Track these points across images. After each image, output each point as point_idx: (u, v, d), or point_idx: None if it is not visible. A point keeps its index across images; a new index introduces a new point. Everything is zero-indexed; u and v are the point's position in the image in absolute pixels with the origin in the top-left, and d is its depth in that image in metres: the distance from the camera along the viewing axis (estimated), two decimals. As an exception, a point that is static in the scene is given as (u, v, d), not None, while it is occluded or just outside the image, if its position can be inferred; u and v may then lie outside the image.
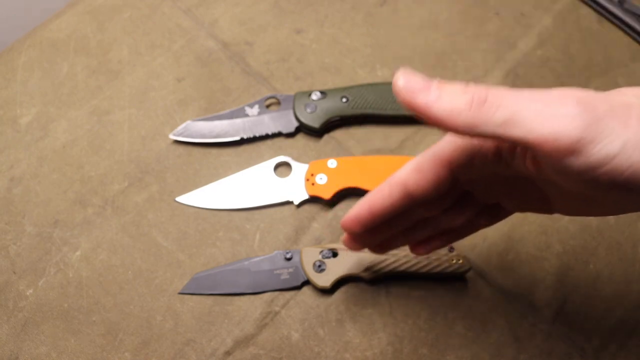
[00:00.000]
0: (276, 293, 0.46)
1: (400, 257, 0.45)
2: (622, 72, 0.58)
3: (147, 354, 0.44)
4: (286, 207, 0.50)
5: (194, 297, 0.46)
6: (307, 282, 0.46)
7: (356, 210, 0.33)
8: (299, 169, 0.50)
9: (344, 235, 0.37)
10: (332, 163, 0.50)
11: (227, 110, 0.53)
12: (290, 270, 0.46)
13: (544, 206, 0.31)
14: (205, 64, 0.57)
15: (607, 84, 0.57)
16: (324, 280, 0.45)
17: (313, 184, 0.49)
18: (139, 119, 0.54)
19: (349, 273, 0.45)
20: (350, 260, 0.45)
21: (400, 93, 0.25)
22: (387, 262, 0.45)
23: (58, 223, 0.49)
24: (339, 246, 0.46)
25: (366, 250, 0.38)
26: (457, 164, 0.29)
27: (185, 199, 0.50)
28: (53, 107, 0.54)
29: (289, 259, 0.46)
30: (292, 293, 0.46)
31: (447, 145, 0.30)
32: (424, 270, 0.45)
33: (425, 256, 0.43)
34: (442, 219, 0.34)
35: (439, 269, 0.45)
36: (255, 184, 0.50)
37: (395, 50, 0.58)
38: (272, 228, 0.49)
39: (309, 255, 0.45)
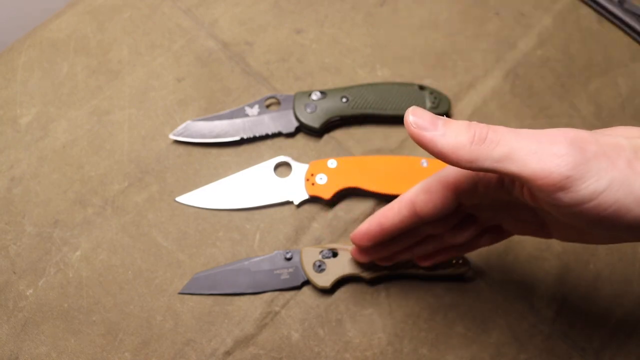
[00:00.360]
0: (276, 293, 0.46)
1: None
2: (622, 72, 0.58)
3: (147, 354, 0.44)
4: (286, 207, 0.50)
5: (194, 297, 0.46)
6: (307, 282, 0.46)
7: (367, 225, 0.37)
8: (299, 169, 0.50)
9: (353, 248, 0.42)
10: (332, 163, 0.50)
11: (227, 110, 0.53)
12: (290, 270, 0.46)
13: (542, 231, 0.33)
14: (205, 64, 0.57)
15: (607, 84, 0.57)
16: (324, 280, 0.45)
17: (313, 184, 0.49)
18: (139, 119, 0.54)
19: (349, 273, 0.45)
20: (350, 261, 0.45)
21: (409, 128, 0.28)
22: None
23: (58, 223, 0.49)
24: (339, 246, 0.46)
25: None
26: (462, 189, 0.32)
27: (185, 199, 0.50)
28: (53, 107, 0.54)
29: (289, 259, 0.46)
30: (292, 293, 0.46)
31: (453, 170, 0.33)
32: (424, 270, 0.45)
33: None
34: (446, 237, 0.37)
35: (438, 269, 0.45)
36: (255, 184, 0.50)
37: (395, 50, 0.58)
38: (272, 228, 0.49)
39: (309, 255, 0.45)
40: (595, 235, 0.30)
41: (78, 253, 0.48)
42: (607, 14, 0.60)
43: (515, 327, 0.45)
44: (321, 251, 0.45)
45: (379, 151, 0.53)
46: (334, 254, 0.45)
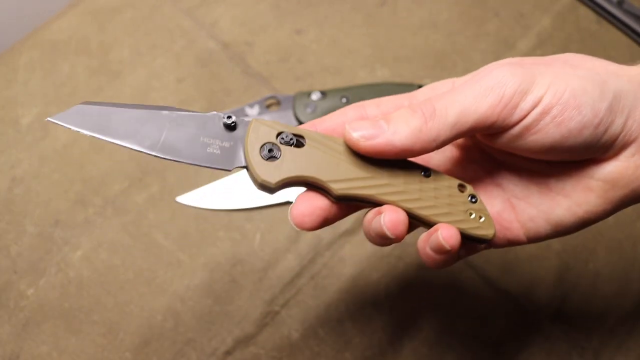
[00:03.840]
0: (277, 293, 0.46)
1: (399, 185, 0.29)
2: (622, 72, 0.58)
3: (147, 353, 0.44)
4: (286, 207, 0.50)
5: (194, 297, 0.46)
6: (243, 168, 0.29)
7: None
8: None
9: (295, 208, 0.29)
10: (332, 163, 0.50)
11: (227, 111, 0.53)
12: (225, 144, 0.29)
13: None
14: (206, 64, 0.57)
15: (606, 84, 0.57)
16: (270, 173, 0.28)
17: (313, 184, 0.49)
18: (140, 119, 0.54)
19: (313, 177, 0.29)
20: (321, 160, 0.29)
21: (359, 145, 0.26)
22: (377, 184, 0.29)
23: (59, 223, 0.49)
24: (310, 134, 0.29)
25: (352, 155, 0.29)
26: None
27: (185, 199, 0.50)
28: (54, 108, 0.54)
29: (229, 128, 0.29)
30: (292, 292, 0.46)
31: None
32: (425, 213, 0.29)
33: (433, 195, 0.30)
34: None
35: (449, 219, 0.29)
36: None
37: (395, 50, 0.58)
38: (272, 228, 0.49)
39: (260, 133, 0.29)
40: (560, 214, 0.29)
41: (79, 253, 0.48)
42: (606, 15, 0.60)
43: (515, 326, 0.45)
44: (280, 133, 0.29)
45: (378, 151, 0.53)
46: (299, 143, 0.29)
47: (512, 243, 0.31)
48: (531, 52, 0.58)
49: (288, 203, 0.50)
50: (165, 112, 0.30)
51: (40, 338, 0.45)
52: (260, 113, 0.53)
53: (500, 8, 0.61)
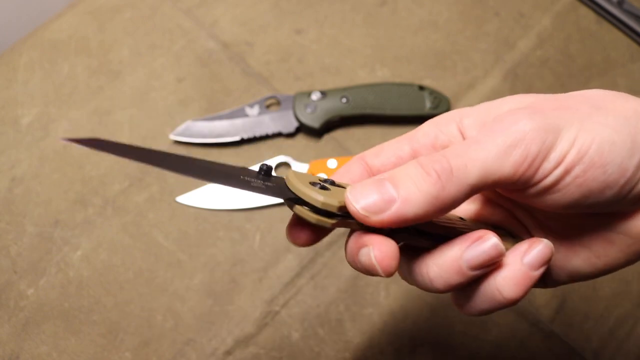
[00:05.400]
0: (276, 293, 0.46)
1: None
2: (621, 73, 0.58)
3: (147, 353, 0.44)
4: (286, 207, 0.50)
5: (194, 297, 0.46)
6: (293, 201, 0.26)
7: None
8: (299, 169, 0.50)
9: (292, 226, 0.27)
10: (332, 163, 0.50)
11: (227, 111, 0.53)
12: (269, 184, 0.27)
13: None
14: (206, 64, 0.57)
15: (606, 84, 0.57)
16: (329, 196, 0.25)
17: (313, 184, 0.49)
18: (140, 119, 0.54)
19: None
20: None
21: (366, 222, 0.22)
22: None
23: (59, 223, 0.49)
24: (341, 182, 0.27)
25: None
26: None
27: (185, 199, 0.50)
28: (54, 108, 0.54)
29: (265, 174, 0.27)
30: (292, 292, 0.46)
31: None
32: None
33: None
34: None
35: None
36: (255, 184, 0.50)
37: (395, 50, 0.58)
38: (272, 228, 0.49)
39: (301, 175, 0.27)
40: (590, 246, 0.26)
41: (79, 253, 0.48)
42: (606, 15, 0.60)
43: (514, 327, 0.45)
44: (316, 181, 0.26)
45: (378, 151, 0.53)
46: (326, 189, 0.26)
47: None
48: (531, 52, 0.58)
49: (288, 203, 0.50)
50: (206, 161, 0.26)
51: (40, 338, 0.45)
52: (260, 113, 0.53)
53: (500, 8, 0.61)
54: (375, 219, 0.22)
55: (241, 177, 0.26)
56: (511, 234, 0.28)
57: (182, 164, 0.23)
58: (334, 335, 0.45)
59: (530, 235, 0.28)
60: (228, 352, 0.44)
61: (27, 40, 0.58)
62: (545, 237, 0.26)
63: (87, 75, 0.56)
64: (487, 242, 0.23)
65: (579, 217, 0.26)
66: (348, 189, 0.23)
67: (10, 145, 0.53)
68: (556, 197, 0.23)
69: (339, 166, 0.50)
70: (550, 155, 0.22)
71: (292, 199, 0.25)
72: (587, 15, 0.61)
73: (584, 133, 0.22)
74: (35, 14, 0.63)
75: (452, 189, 0.22)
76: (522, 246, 0.25)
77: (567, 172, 0.22)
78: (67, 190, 0.50)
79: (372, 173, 0.26)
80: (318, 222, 0.24)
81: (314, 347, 0.45)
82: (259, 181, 0.26)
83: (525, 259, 0.24)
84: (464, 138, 0.25)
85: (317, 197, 0.24)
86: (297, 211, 0.25)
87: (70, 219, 0.49)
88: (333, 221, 0.24)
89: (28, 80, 0.56)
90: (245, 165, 0.52)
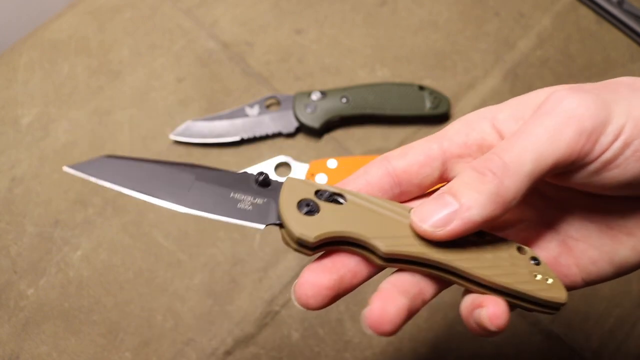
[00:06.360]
0: (276, 293, 0.46)
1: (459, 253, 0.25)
2: (621, 73, 0.58)
3: (147, 353, 0.44)
4: (286, 207, 0.50)
5: (194, 297, 0.46)
6: (278, 225, 0.27)
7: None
8: (299, 169, 0.50)
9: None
10: (332, 163, 0.50)
11: (227, 111, 0.53)
12: (258, 201, 0.28)
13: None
14: (206, 64, 0.57)
15: (606, 84, 0.57)
16: (309, 228, 0.25)
17: (313, 184, 0.49)
18: (140, 119, 0.54)
19: (357, 233, 0.25)
20: (364, 216, 0.25)
21: (433, 237, 0.23)
22: (432, 249, 0.24)
23: (59, 223, 0.49)
24: (350, 191, 0.26)
25: (396, 213, 0.25)
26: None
27: (185, 199, 0.50)
28: (54, 108, 0.54)
29: (262, 184, 0.28)
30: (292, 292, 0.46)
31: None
32: (485, 272, 0.25)
33: (491, 256, 0.26)
34: None
35: (512, 280, 0.25)
36: (255, 184, 0.50)
37: (395, 50, 0.58)
38: (272, 228, 0.49)
39: (297, 189, 0.26)
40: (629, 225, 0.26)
41: (79, 253, 0.48)
42: (606, 15, 0.60)
43: (514, 327, 0.45)
44: (318, 190, 0.26)
45: (379, 151, 0.53)
46: (337, 201, 0.26)
47: (567, 289, 0.27)
48: (531, 52, 0.58)
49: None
50: (198, 169, 0.29)
51: (40, 338, 0.45)
52: (260, 113, 0.53)
53: (500, 8, 0.61)
54: (445, 231, 0.22)
55: (231, 194, 0.28)
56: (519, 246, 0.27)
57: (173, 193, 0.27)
58: (334, 335, 0.45)
59: (554, 232, 0.28)
60: (228, 352, 0.44)
61: (27, 40, 0.58)
62: (584, 233, 0.26)
63: (87, 75, 0.56)
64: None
65: (618, 202, 0.26)
66: (412, 212, 0.23)
67: (10, 145, 0.53)
68: (615, 174, 0.23)
69: (339, 166, 0.50)
70: (607, 128, 0.22)
71: (278, 224, 0.26)
72: (587, 15, 0.61)
73: (634, 109, 0.22)
74: (35, 14, 0.63)
75: (510, 182, 0.22)
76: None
77: (626, 145, 0.22)
78: (67, 190, 0.50)
79: (394, 175, 0.26)
80: (298, 251, 0.26)
81: (314, 347, 0.45)
82: (250, 197, 0.28)
83: (472, 318, 0.25)
84: (499, 134, 0.25)
85: (295, 230, 0.25)
86: (282, 234, 0.26)
87: (70, 219, 0.49)
88: (311, 252, 0.25)
89: (28, 80, 0.56)
90: (245, 166, 0.52)
